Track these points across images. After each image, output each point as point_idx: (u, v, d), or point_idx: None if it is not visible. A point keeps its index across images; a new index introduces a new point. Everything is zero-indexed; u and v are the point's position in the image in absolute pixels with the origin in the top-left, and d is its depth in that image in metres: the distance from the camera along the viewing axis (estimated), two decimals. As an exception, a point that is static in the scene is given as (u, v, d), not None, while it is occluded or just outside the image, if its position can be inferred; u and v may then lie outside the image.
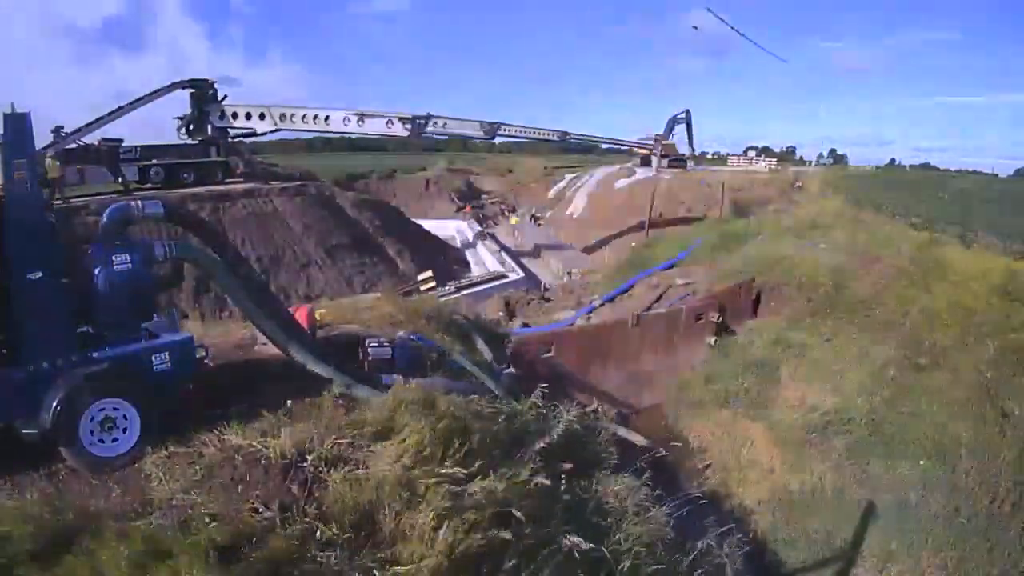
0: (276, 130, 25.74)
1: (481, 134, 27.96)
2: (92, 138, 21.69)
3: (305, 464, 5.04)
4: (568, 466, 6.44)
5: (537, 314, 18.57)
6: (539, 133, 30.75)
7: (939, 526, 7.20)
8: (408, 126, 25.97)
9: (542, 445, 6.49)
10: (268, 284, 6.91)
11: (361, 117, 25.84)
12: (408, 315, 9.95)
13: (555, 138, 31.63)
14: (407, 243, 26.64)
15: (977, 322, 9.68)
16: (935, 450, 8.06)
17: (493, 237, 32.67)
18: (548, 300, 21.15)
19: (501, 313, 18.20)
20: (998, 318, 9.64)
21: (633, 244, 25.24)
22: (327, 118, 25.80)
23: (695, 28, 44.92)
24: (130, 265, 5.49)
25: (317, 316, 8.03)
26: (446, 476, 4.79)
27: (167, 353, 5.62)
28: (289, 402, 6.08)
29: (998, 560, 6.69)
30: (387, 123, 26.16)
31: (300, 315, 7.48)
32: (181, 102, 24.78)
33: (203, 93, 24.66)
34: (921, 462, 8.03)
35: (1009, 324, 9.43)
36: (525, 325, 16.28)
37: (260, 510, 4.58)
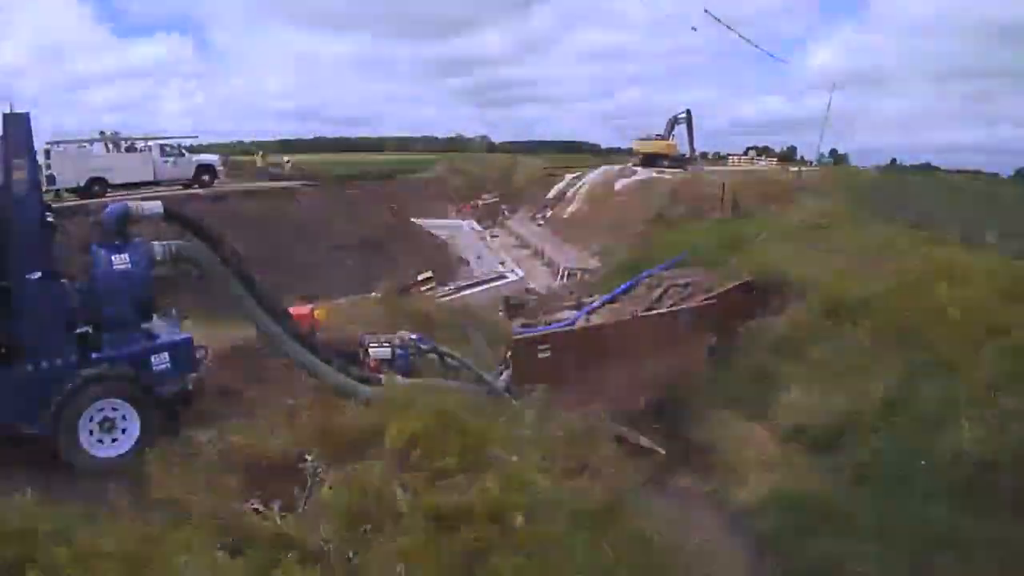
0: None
1: None
2: None
3: (305, 464, 5.04)
4: (567, 465, 6.44)
5: (537, 314, 18.54)
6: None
7: (944, 531, 7.16)
8: None
9: (540, 445, 6.49)
10: (267, 284, 6.93)
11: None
12: (408, 315, 9.97)
13: None
14: (407, 243, 26.63)
15: (982, 323, 9.64)
16: (940, 453, 8.03)
17: (492, 236, 32.70)
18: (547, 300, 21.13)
19: (501, 313, 18.17)
20: (1004, 319, 9.60)
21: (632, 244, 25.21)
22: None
23: (694, 29, 44.97)
24: (130, 265, 5.49)
25: (317, 316, 8.03)
26: (440, 475, 4.78)
27: (167, 353, 5.62)
28: (289, 402, 6.08)
29: (1003, 566, 6.66)
30: None
31: (300, 315, 7.48)
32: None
33: None
34: (922, 461, 8.00)
35: (1015, 325, 9.40)
36: (525, 325, 16.26)
37: (260, 510, 4.58)
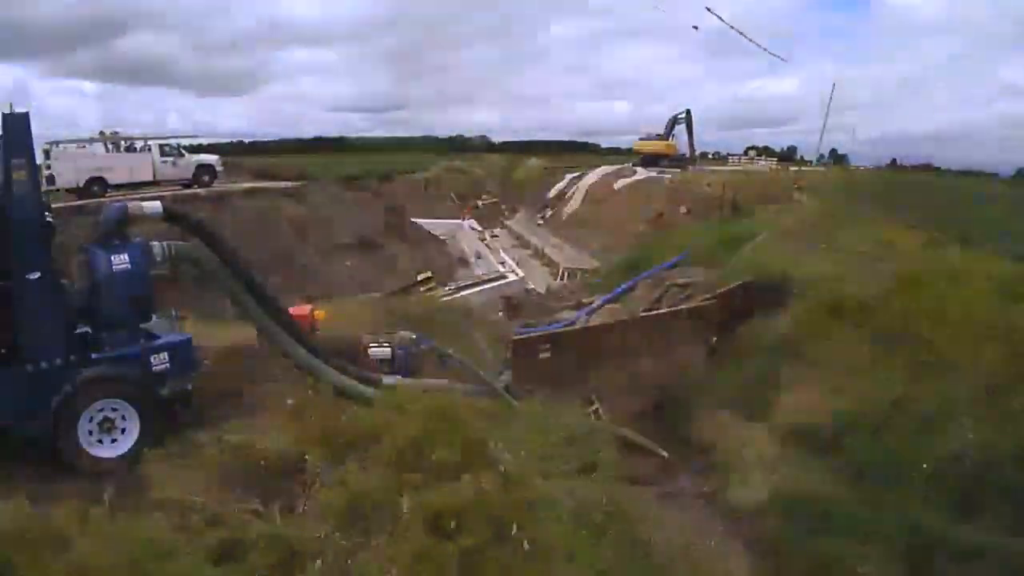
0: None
1: None
2: None
3: (305, 464, 5.04)
4: (567, 465, 6.44)
5: (537, 314, 18.55)
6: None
7: (943, 532, 7.15)
8: None
9: (540, 445, 6.49)
10: (267, 284, 6.92)
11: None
12: (408, 315, 9.97)
13: None
14: (407, 243, 26.63)
15: (982, 324, 9.63)
16: (940, 453, 8.02)
17: (492, 236, 32.73)
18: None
19: (501, 313, 18.18)
20: (1004, 319, 9.59)
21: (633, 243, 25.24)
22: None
23: (695, 28, 44.86)
24: (130, 265, 5.49)
25: (317, 316, 8.04)
26: (440, 475, 4.77)
27: (166, 354, 5.61)
28: (289, 402, 6.08)
29: (1003, 568, 6.64)
30: None
31: (300, 315, 7.48)
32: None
33: None
34: (924, 465, 7.99)
35: (1015, 326, 9.39)
36: (525, 325, 16.27)
37: (260, 510, 4.58)
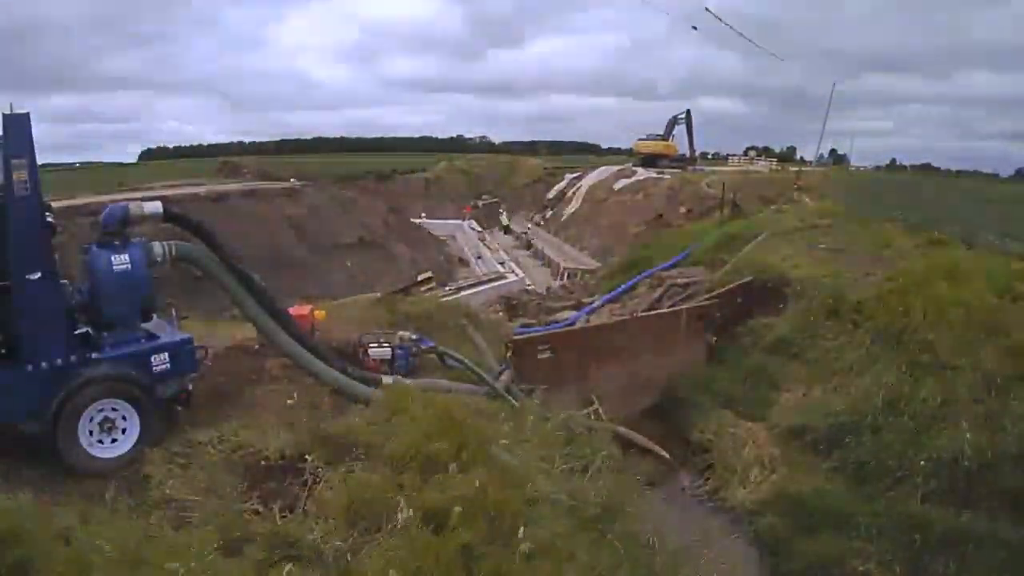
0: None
1: None
2: None
3: (305, 464, 5.05)
4: (567, 465, 6.45)
5: (537, 314, 18.54)
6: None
7: (943, 531, 7.16)
8: None
9: (540, 445, 6.50)
10: (266, 284, 6.87)
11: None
12: (407, 315, 9.97)
13: None
14: (407, 243, 26.65)
15: (981, 323, 9.63)
16: (939, 452, 8.03)
17: (492, 237, 32.78)
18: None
19: (501, 313, 18.16)
20: (1002, 319, 9.59)
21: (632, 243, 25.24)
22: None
23: (694, 28, 44.90)
24: (130, 265, 5.48)
25: (317, 316, 8.03)
26: (435, 471, 4.77)
27: (167, 353, 5.60)
28: (289, 402, 6.09)
29: (1002, 566, 6.65)
30: None
31: (300, 315, 7.47)
32: None
33: None
34: (922, 463, 8.01)
35: (1014, 325, 9.39)
36: (525, 325, 16.26)
37: (260, 510, 4.58)
